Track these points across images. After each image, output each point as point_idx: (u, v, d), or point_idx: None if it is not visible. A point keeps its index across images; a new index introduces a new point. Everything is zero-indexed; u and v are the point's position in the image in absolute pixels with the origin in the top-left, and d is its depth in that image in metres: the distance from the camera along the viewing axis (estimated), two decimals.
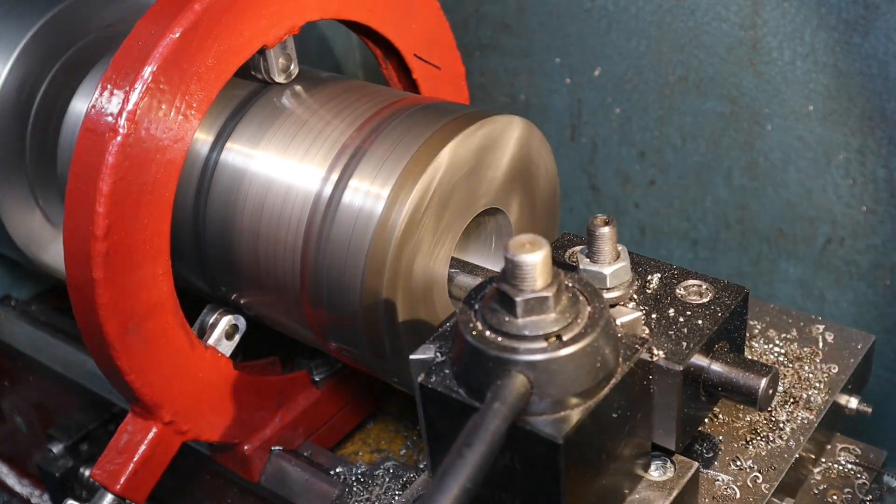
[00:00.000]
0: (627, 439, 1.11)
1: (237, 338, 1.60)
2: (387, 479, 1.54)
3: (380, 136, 1.42)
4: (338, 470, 1.63)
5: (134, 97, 1.33)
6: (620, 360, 1.08)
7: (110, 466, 1.50)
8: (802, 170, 1.83)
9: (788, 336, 1.48)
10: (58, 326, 2.09)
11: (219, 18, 1.39)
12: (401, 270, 1.36)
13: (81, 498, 1.86)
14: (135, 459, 1.49)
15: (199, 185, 1.51)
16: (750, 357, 1.29)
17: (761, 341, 1.47)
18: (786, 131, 1.82)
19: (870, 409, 1.45)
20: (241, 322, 1.59)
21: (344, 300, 1.39)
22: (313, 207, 1.41)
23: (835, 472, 1.41)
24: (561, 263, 1.30)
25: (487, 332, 1.03)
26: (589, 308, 1.05)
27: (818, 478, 1.40)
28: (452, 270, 1.48)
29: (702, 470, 1.27)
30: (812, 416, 1.35)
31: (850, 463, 1.41)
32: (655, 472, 1.18)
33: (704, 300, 1.23)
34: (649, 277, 1.26)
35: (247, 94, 1.55)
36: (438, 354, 1.12)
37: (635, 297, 1.24)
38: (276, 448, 1.65)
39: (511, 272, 1.00)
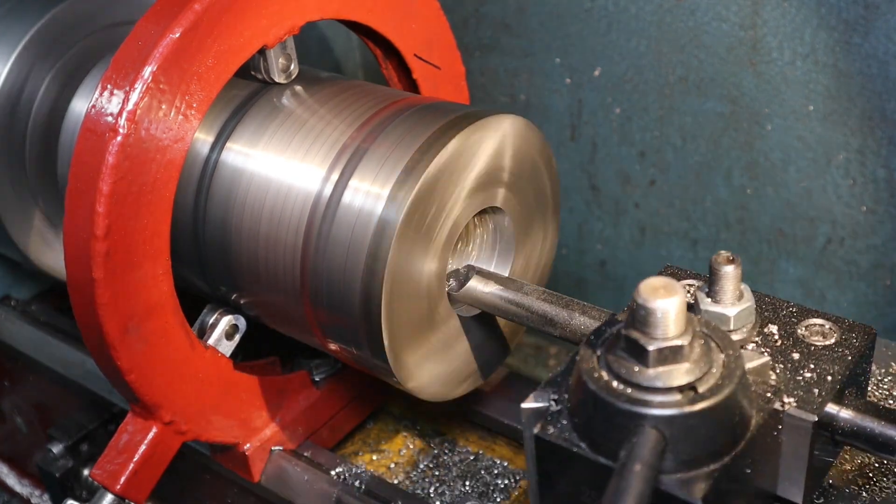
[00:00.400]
0: (756, 493, 1.05)
1: (237, 338, 1.60)
2: None
3: (380, 136, 1.42)
4: (338, 470, 1.63)
5: (134, 97, 1.33)
6: (754, 411, 1.00)
7: (110, 466, 1.50)
8: (802, 170, 1.83)
9: (891, 371, 1.35)
10: (58, 326, 2.09)
11: (219, 18, 1.39)
12: (400, 270, 1.36)
13: (81, 498, 1.86)
14: (135, 459, 1.49)
15: (199, 185, 1.51)
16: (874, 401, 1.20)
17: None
18: (786, 131, 1.82)
19: None
20: (241, 322, 1.59)
21: (344, 300, 1.39)
22: (313, 207, 1.41)
23: None
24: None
25: (615, 383, 0.95)
26: (722, 356, 0.98)
27: None
28: (452, 271, 1.48)
29: None
30: None
31: None
32: None
33: (830, 342, 1.14)
34: (765, 315, 1.18)
35: (247, 94, 1.55)
36: (553, 403, 1.03)
37: (757, 339, 1.15)
38: (276, 448, 1.65)
39: (642, 318, 0.94)
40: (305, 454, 1.67)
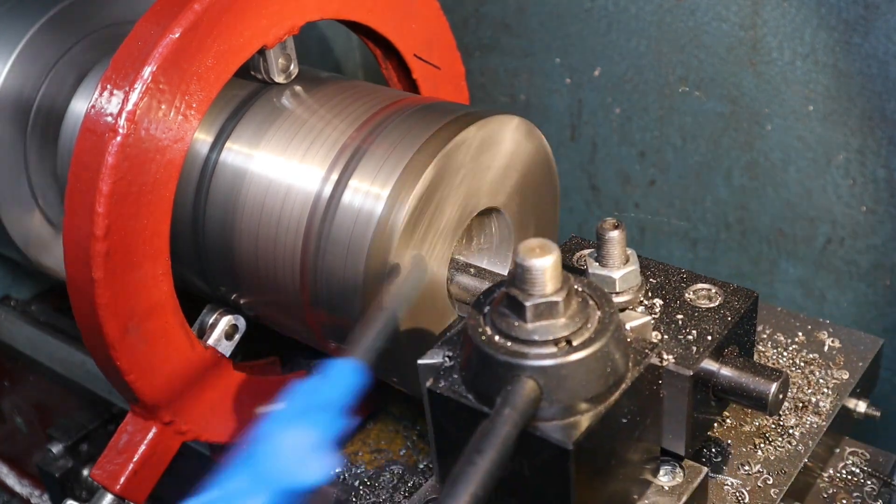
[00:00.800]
0: (637, 444, 1.10)
1: (237, 338, 1.60)
2: (392, 483, 1.53)
3: (380, 136, 1.42)
4: (338, 470, 1.63)
5: (134, 97, 1.33)
6: (630, 365, 1.07)
7: (110, 466, 1.51)
8: (802, 170, 1.83)
9: (796, 340, 1.48)
10: (58, 326, 2.09)
11: (219, 18, 1.39)
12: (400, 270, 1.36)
13: (81, 498, 1.86)
14: (135, 459, 1.49)
15: (199, 185, 1.51)
16: (759, 361, 1.29)
17: (769, 345, 1.47)
18: (786, 131, 1.82)
19: (878, 414, 1.44)
20: (241, 322, 1.59)
21: (344, 300, 1.39)
22: (313, 207, 1.41)
23: (843, 476, 1.40)
24: (569, 267, 1.29)
25: (497, 337, 1.02)
26: (599, 313, 1.04)
27: (827, 482, 1.39)
28: (452, 271, 1.48)
29: (711, 475, 1.26)
30: (821, 421, 1.35)
31: (859, 467, 1.41)
32: (664, 478, 1.17)
33: (714, 304, 1.22)
34: (657, 281, 1.26)
35: (247, 94, 1.55)
36: (447, 359, 1.10)
37: (644, 301, 1.23)
38: None
39: (521, 276, 1.00)
40: None
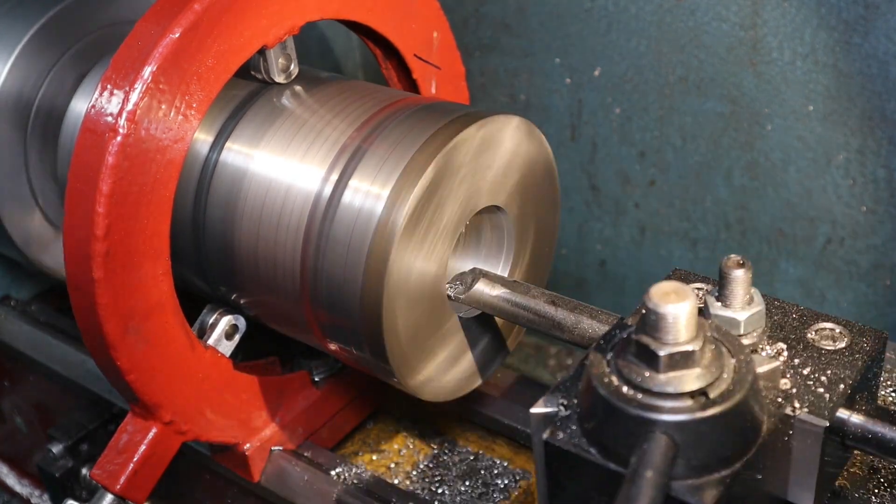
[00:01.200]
0: (767, 499, 1.04)
1: (237, 338, 1.60)
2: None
3: (380, 136, 1.42)
4: (338, 470, 1.63)
5: (134, 97, 1.33)
6: (765, 416, 1.00)
7: (110, 466, 1.50)
8: (802, 170, 1.83)
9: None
10: (58, 326, 2.09)
11: (219, 18, 1.39)
12: (400, 270, 1.36)
13: (81, 498, 1.86)
14: (135, 459, 1.49)
15: (199, 185, 1.51)
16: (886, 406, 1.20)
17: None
18: (786, 131, 1.82)
19: None
20: (241, 322, 1.59)
21: (344, 300, 1.39)
22: (313, 207, 1.41)
23: None
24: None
25: (625, 388, 0.95)
26: (734, 361, 0.97)
27: None
28: (457, 274, 1.48)
29: None
30: None
31: None
32: None
33: (840, 345, 1.13)
34: (775, 320, 1.17)
35: (247, 94, 1.55)
36: (562, 408, 1.02)
37: (766, 343, 1.14)
38: (276, 448, 1.65)
39: (653, 324, 0.93)
40: (305, 454, 1.67)
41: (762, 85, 1.81)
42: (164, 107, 1.36)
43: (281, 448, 1.66)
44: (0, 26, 1.84)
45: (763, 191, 1.90)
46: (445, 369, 1.52)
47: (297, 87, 1.55)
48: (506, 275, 1.57)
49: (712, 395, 0.94)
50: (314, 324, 1.47)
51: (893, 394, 1.29)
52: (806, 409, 1.05)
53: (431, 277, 1.43)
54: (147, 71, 1.33)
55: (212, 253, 1.53)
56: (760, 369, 1.05)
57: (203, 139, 1.52)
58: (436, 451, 1.78)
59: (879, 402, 1.24)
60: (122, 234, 1.35)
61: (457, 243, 1.47)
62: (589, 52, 2.00)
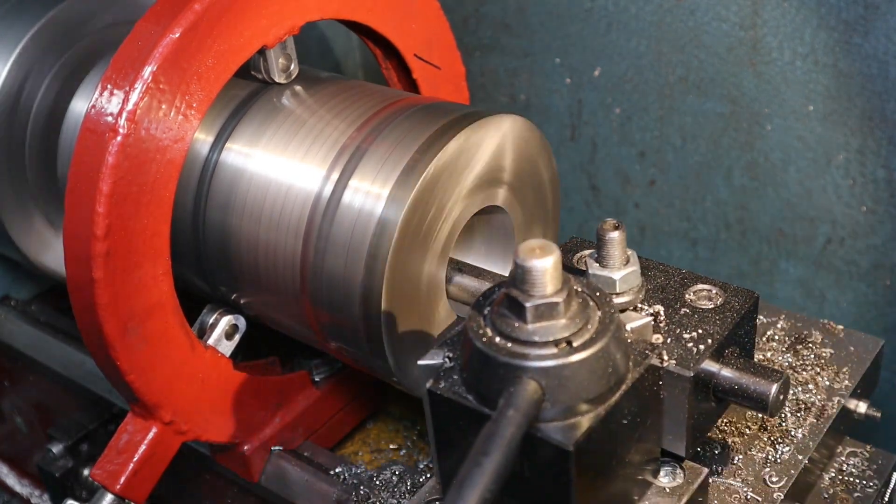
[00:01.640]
0: (637, 445, 1.10)
1: (237, 338, 1.60)
2: (394, 482, 1.53)
3: (380, 136, 1.42)
4: (338, 470, 1.63)
5: (134, 97, 1.33)
6: (631, 365, 1.07)
7: (110, 466, 1.51)
8: (802, 170, 1.83)
9: (796, 341, 1.47)
10: (58, 326, 2.09)
11: (219, 18, 1.39)
12: (400, 270, 1.36)
13: (81, 498, 1.85)
14: (135, 459, 1.49)
15: (199, 185, 1.51)
16: (760, 362, 1.28)
17: (768, 346, 1.46)
18: (786, 131, 1.82)
19: (879, 414, 1.44)
20: (241, 322, 1.59)
21: (344, 300, 1.39)
22: (313, 207, 1.41)
23: (844, 477, 1.40)
24: (569, 268, 1.29)
25: (497, 339, 1.01)
26: (599, 313, 1.04)
27: (827, 483, 1.39)
28: (451, 270, 1.48)
29: (711, 476, 1.26)
30: (821, 422, 1.34)
31: (859, 468, 1.41)
32: (665, 479, 1.17)
33: (714, 305, 1.22)
34: (657, 282, 1.26)
35: (247, 94, 1.55)
36: (447, 360, 1.10)
37: (644, 302, 1.23)
38: (276, 448, 1.65)
39: (521, 277, 0.99)
40: (305, 454, 1.67)
41: (762, 85, 1.81)
42: (164, 107, 1.36)
43: (281, 448, 1.66)
44: (0, 26, 1.84)
45: (763, 191, 1.90)
46: None
47: (297, 87, 1.55)
48: (506, 275, 1.57)
49: (575, 343, 1.00)
50: (314, 324, 1.47)
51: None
52: (674, 361, 1.14)
53: (431, 277, 1.43)
54: (147, 71, 1.33)
55: (212, 253, 1.53)
56: (633, 324, 1.14)
57: (203, 139, 1.53)
58: None
59: None
60: (122, 234, 1.35)
61: (457, 243, 1.47)
62: (589, 52, 2.00)
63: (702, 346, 1.16)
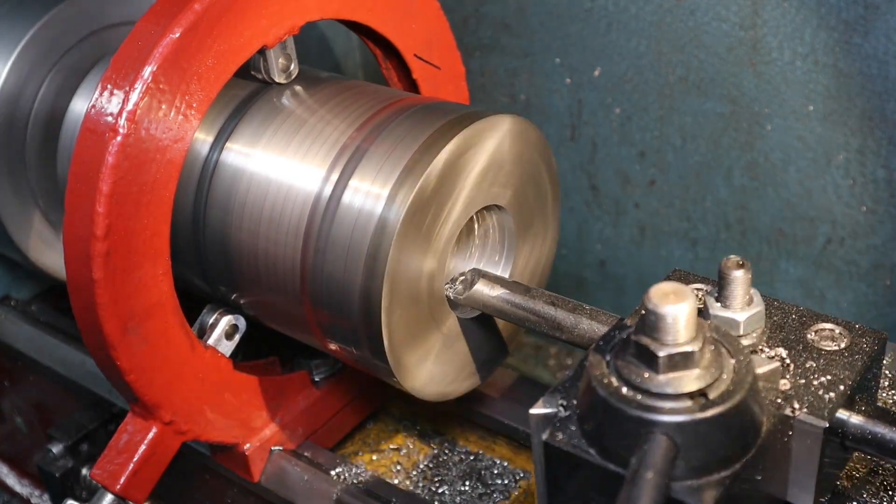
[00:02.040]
0: (766, 499, 1.04)
1: (237, 338, 1.60)
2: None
3: (380, 136, 1.42)
4: (338, 470, 1.63)
5: (134, 97, 1.33)
6: (764, 417, 1.00)
7: (110, 466, 1.51)
8: (802, 170, 1.83)
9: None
10: (58, 326, 2.09)
11: (219, 18, 1.39)
12: (400, 270, 1.36)
13: (81, 498, 1.86)
14: (135, 459, 1.49)
15: (199, 185, 1.51)
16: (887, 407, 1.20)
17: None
18: (786, 131, 1.82)
19: None
20: (241, 322, 1.59)
21: (344, 300, 1.39)
22: (313, 207, 1.41)
23: None
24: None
25: (624, 389, 0.95)
26: (733, 362, 0.97)
27: None
28: (457, 274, 1.49)
29: None
30: None
31: None
32: None
33: (840, 346, 1.13)
34: (774, 320, 1.17)
35: (247, 94, 1.55)
36: (562, 408, 1.03)
37: (766, 344, 1.14)
38: (276, 448, 1.65)
39: (653, 324, 0.93)
40: (305, 454, 1.67)
41: (762, 85, 1.81)
42: (164, 107, 1.36)
43: (281, 448, 1.66)
44: (0, 26, 1.84)
45: (763, 191, 1.90)
46: (445, 369, 1.52)
47: (297, 87, 1.55)
48: (506, 275, 1.58)
49: (712, 395, 0.94)
50: (314, 324, 1.47)
51: (895, 395, 1.28)
52: (805, 410, 1.05)
53: (431, 277, 1.43)
54: (147, 71, 1.33)
55: (212, 253, 1.53)
56: (760, 370, 1.05)
57: (203, 139, 1.53)
58: (436, 451, 1.78)
59: (880, 403, 1.24)
60: (122, 234, 1.35)
61: (456, 243, 1.47)
62: (589, 52, 2.00)
63: (833, 393, 1.07)
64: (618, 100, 2.00)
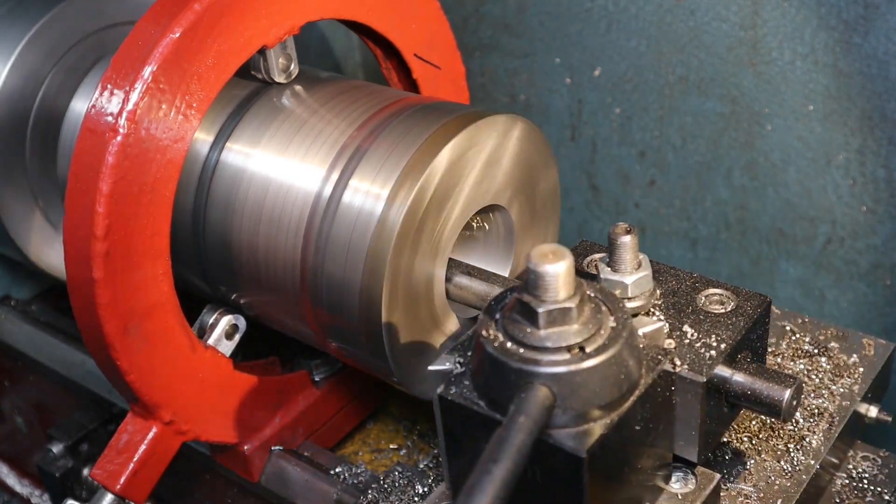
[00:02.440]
0: (649, 451, 1.09)
1: (237, 338, 1.60)
2: (401, 484, 1.52)
3: (380, 136, 1.42)
4: (338, 470, 1.63)
5: (134, 97, 1.33)
6: (644, 371, 1.06)
7: (110, 466, 1.50)
8: (802, 170, 1.83)
9: (804, 344, 1.46)
10: (58, 326, 2.09)
11: (219, 18, 1.39)
12: (400, 270, 1.36)
13: (81, 498, 1.86)
14: (135, 459, 1.49)
15: (199, 185, 1.51)
16: (772, 367, 1.27)
17: (777, 350, 1.45)
18: (786, 131, 1.82)
19: (890, 419, 1.42)
20: (241, 322, 1.59)
21: (344, 300, 1.39)
22: (313, 207, 1.41)
23: (856, 481, 1.39)
24: (580, 272, 1.28)
25: (509, 344, 1.01)
26: (612, 319, 1.03)
27: (839, 487, 1.38)
28: (451, 270, 1.48)
29: (723, 482, 1.25)
30: (833, 426, 1.33)
31: (871, 472, 1.39)
32: (676, 485, 1.16)
33: (726, 309, 1.21)
34: (668, 286, 1.25)
35: (247, 94, 1.55)
36: (458, 365, 1.09)
37: (656, 306, 1.22)
38: (276, 448, 1.65)
39: (533, 283, 0.99)
40: (305, 454, 1.67)
41: (762, 85, 1.81)
42: (164, 107, 1.36)
43: (281, 448, 1.66)
44: (0, 26, 1.84)
45: (763, 191, 1.90)
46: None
47: (298, 87, 1.55)
48: (507, 274, 1.57)
49: (588, 349, 0.99)
50: (314, 324, 1.47)
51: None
52: (686, 367, 1.13)
53: (431, 277, 1.43)
54: (147, 71, 1.33)
55: (212, 253, 1.53)
56: (645, 329, 1.13)
57: (203, 139, 1.53)
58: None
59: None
60: (122, 234, 1.35)
61: (457, 242, 1.47)
62: (589, 52, 2.00)
63: (714, 352, 1.15)
64: (618, 100, 2.00)
